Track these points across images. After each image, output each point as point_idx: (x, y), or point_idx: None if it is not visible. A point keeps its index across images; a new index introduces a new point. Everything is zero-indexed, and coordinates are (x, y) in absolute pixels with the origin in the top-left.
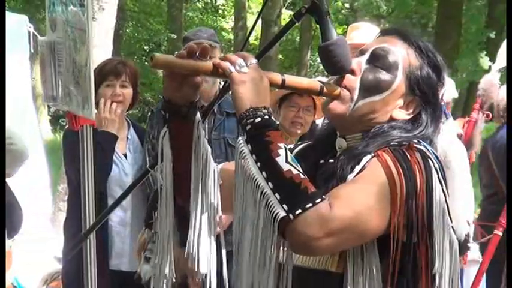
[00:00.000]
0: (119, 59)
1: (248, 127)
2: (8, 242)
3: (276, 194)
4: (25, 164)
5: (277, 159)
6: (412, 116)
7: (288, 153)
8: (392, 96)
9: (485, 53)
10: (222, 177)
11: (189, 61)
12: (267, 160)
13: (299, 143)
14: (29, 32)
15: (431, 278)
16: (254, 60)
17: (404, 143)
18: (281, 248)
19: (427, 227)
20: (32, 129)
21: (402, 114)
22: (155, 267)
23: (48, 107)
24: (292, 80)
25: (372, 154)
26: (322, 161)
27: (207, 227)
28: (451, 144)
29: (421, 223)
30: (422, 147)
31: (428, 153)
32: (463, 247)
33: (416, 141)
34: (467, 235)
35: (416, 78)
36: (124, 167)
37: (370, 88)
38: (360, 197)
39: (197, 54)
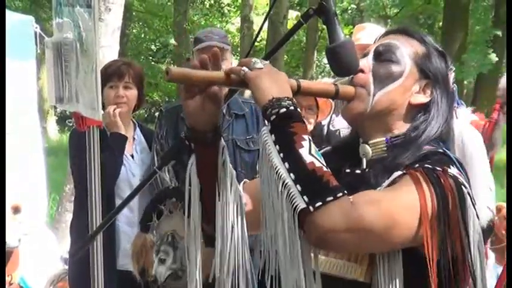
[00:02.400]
0: (123, 60)
1: (273, 117)
2: (15, 243)
3: (298, 186)
4: (26, 166)
5: (301, 150)
6: (430, 98)
7: (312, 145)
8: (407, 82)
9: (492, 50)
10: (245, 196)
11: (202, 72)
12: (290, 151)
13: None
14: (35, 33)
15: None
16: (266, 62)
17: (438, 168)
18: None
19: (464, 253)
20: (32, 131)
21: (420, 98)
22: None
23: (55, 107)
24: (307, 84)
25: (404, 171)
26: (348, 170)
27: (234, 252)
28: (466, 130)
29: (458, 248)
30: (455, 173)
31: (460, 179)
32: (486, 233)
33: (442, 150)
34: (491, 221)
35: (426, 63)
36: (131, 167)
37: (383, 79)
38: (386, 202)
39: (209, 62)
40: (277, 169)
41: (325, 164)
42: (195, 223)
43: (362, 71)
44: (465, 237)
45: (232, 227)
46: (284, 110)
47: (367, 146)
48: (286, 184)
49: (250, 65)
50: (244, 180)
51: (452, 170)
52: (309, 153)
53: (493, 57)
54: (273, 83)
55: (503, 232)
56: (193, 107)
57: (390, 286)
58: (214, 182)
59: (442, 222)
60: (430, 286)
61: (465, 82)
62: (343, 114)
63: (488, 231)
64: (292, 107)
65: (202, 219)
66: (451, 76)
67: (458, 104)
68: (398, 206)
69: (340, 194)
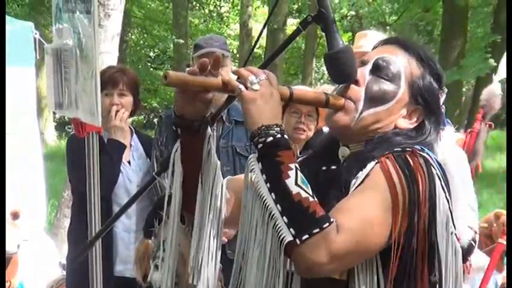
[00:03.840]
0: (117, 67)
1: (260, 146)
2: (14, 248)
3: (284, 217)
4: (25, 168)
5: (287, 181)
6: (415, 125)
7: (299, 174)
8: (397, 106)
9: (490, 56)
10: (229, 191)
11: (200, 78)
12: (276, 181)
13: (300, 155)
14: (35, 39)
15: (431, 285)
16: (264, 76)
17: (407, 149)
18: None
19: (429, 233)
20: (32, 135)
21: (406, 124)
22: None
23: (54, 113)
24: (299, 92)
25: (376, 160)
26: (324, 168)
27: (213, 242)
28: (450, 150)
29: (422, 229)
30: (425, 154)
31: (431, 160)
32: (467, 253)
33: (419, 147)
34: (473, 240)
35: (419, 87)
36: (128, 173)
37: (375, 98)
38: (363, 215)
39: (209, 67)
40: (264, 199)
41: (311, 194)
42: (176, 208)
43: (357, 82)
44: (431, 217)
45: (211, 217)
46: (271, 138)
47: (346, 148)
48: (273, 215)
49: (247, 83)
50: (228, 176)
51: (423, 153)
52: (295, 184)
53: (492, 62)
54: (265, 109)
55: (501, 239)
56: (183, 100)
57: (368, 281)
58: (198, 171)
59: (412, 205)
60: (407, 271)
61: (464, 89)
62: (327, 122)
63: (468, 251)
64: (279, 135)
65: (184, 208)
66: (442, 97)
67: (444, 124)
68: (374, 212)
69: (326, 224)
